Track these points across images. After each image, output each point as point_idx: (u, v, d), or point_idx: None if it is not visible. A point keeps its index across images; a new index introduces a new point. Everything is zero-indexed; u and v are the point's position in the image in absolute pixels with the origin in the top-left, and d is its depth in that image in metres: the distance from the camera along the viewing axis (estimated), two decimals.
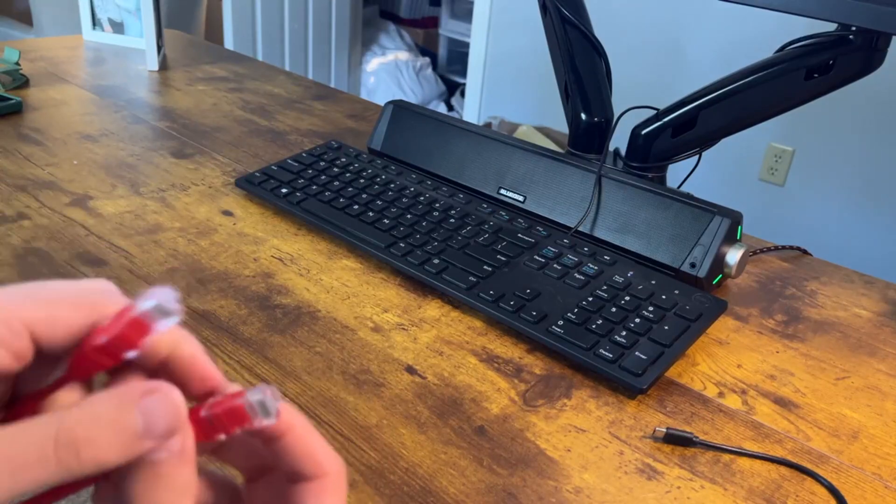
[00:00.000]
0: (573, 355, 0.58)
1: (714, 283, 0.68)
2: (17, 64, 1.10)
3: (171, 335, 0.24)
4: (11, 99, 0.99)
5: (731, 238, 0.67)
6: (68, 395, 0.23)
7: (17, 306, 0.21)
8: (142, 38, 1.29)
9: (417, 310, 0.64)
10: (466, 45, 3.20)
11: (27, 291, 0.22)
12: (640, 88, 2.28)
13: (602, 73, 0.87)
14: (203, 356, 0.25)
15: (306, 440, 0.25)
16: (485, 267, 0.67)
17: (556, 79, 0.90)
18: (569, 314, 0.61)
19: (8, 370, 0.21)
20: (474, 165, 0.81)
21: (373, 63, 3.63)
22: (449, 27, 3.77)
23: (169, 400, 0.21)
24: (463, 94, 3.36)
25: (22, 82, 1.09)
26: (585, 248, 0.69)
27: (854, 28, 0.67)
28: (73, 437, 0.19)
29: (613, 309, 0.62)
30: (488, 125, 2.81)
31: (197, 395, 0.25)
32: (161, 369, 0.24)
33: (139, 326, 0.21)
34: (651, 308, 0.62)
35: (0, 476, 0.19)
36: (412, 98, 3.56)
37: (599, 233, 0.72)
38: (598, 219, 0.72)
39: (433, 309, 0.65)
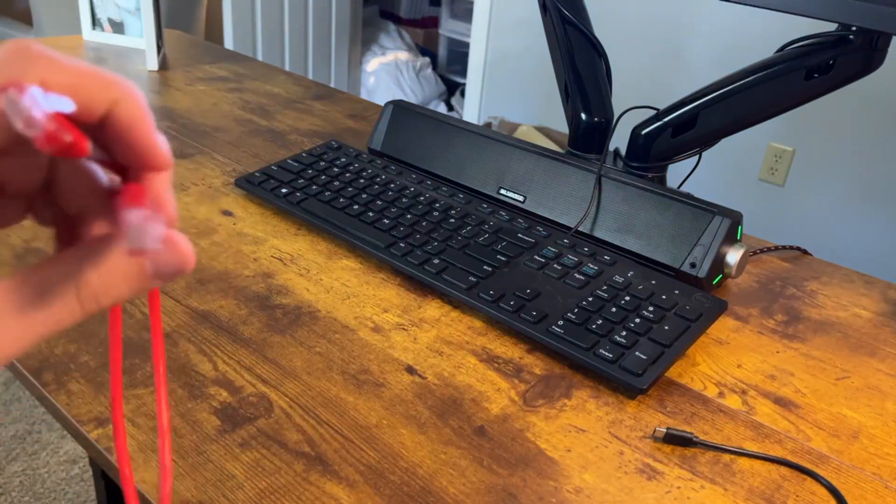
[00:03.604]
0: (573, 355, 0.58)
1: (714, 283, 0.68)
2: None
3: (107, 93, 0.22)
4: None
5: (731, 238, 0.67)
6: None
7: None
8: (142, 38, 1.29)
9: (417, 310, 0.64)
10: (466, 45, 3.20)
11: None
12: (640, 88, 2.28)
13: (602, 73, 0.87)
14: (145, 122, 0.22)
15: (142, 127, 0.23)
16: (485, 267, 0.67)
17: (556, 79, 0.90)
18: (569, 314, 0.61)
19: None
20: (474, 165, 0.81)
21: (373, 63, 3.63)
22: (449, 27, 3.77)
23: (176, 247, 0.22)
24: (463, 94, 3.36)
25: None
26: (585, 248, 0.69)
27: (854, 28, 0.67)
28: (93, 290, 0.22)
29: (613, 309, 0.62)
30: (488, 125, 2.81)
31: (136, 166, 0.23)
32: (101, 132, 0.23)
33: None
34: (651, 308, 0.62)
35: (37, 328, 0.22)
36: (412, 98, 3.56)
37: (599, 233, 0.72)
38: (598, 219, 0.72)
39: (433, 309, 0.65)
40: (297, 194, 0.78)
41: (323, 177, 0.81)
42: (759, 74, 0.73)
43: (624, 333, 0.59)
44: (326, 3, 3.32)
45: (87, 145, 0.20)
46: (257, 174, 0.81)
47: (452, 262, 0.67)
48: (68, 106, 0.21)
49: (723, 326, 0.66)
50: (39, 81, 0.20)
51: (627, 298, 0.63)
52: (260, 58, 3.04)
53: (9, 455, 1.58)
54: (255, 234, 0.74)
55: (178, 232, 0.22)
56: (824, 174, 2.20)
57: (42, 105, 0.20)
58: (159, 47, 1.24)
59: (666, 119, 0.78)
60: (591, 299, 0.63)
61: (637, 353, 0.57)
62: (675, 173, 0.85)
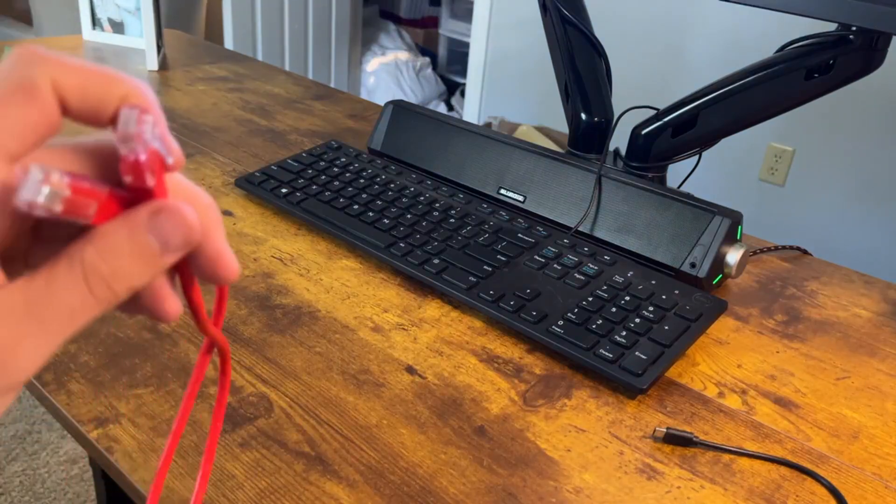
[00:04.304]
0: (573, 355, 0.58)
1: (714, 283, 0.68)
2: None
3: (116, 90, 0.22)
4: None
5: (731, 238, 0.67)
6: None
7: (48, 65, 0.21)
8: (142, 38, 1.29)
9: (417, 310, 0.64)
10: (466, 45, 3.20)
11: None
12: (640, 88, 2.28)
13: (602, 73, 0.87)
14: (155, 115, 0.22)
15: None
16: (485, 267, 0.67)
17: (556, 79, 0.90)
18: (569, 314, 0.61)
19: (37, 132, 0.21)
20: (474, 165, 0.81)
21: (373, 63, 3.63)
22: (449, 27, 3.77)
23: (177, 215, 0.21)
24: (463, 94, 3.36)
25: None
26: (585, 248, 0.69)
27: (854, 28, 0.67)
28: (101, 274, 0.21)
29: (613, 309, 0.62)
30: (488, 125, 2.81)
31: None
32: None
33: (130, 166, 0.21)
34: (651, 308, 0.62)
35: (52, 327, 0.21)
36: (412, 98, 3.56)
37: (599, 233, 0.72)
38: (598, 219, 0.72)
39: (433, 309, 0.65)
40: (297, 194, 0.78)
41: (323, 177, 0.81)
42: (759, 74, 0.73)
43: (624, 333, 0.59)
44: (326, 3, 3.32)
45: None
46: (257, 174, 0.81)
47: (452, 262, 0.67)
48: (168, 157, 0.21)
49: (723, 326, 0.66)
50: (51, 82, 0.21)
51: (627, 298, 0.63)
52: (260, 58, 3.04)
53: (9, 455, 1.58)
54: (255, 234, 0.74)
55: (182, 202, 0.22)
56: (824, 174, 2.20)
57: (152, 138, 0.21)
58: (159, 47, 1.24)
59: (666, 119, 0.78)
60: (591, 299, 0.63)
61: (637, 353, 0.57)
62: (675, 173, 0.85)
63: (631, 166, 0.81)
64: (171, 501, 0.44)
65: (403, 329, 0.62)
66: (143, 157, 0.20)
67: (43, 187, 0.19)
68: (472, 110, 3.05)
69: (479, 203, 0.77)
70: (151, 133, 0.21)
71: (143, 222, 0.21)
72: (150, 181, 0.21)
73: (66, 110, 0.21)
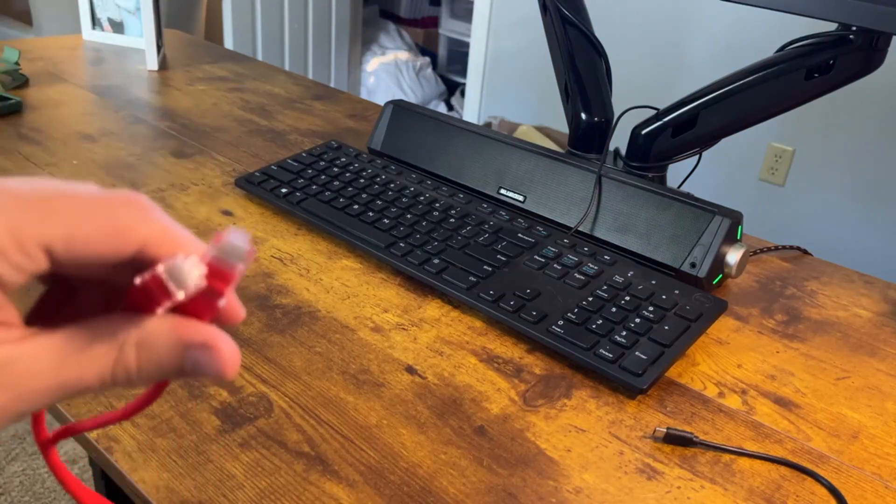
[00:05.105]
0: (573, 355, 0.58)
1: (714, 283, 0.68)
2: (17, 64, 1.10)
3: (140, 229, 0.23)
4: (11, 99, 0.99)
5: (731, 238, 0.67)
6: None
7: (35, 222, 0.21)
8: (142, 38, 1.29)
9: (417, 310, 0.64)
10: (466, 44, 3.20)
11: (45, 200, 0.21)
12: (640, 88, 2.28)
13: (602, 73, 0.87)
14: (175, 232, 0.23)
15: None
16: (485, 267, 0.67)
17: (556, 79, 0.90)
18: (569, 314, 0.61)
19: (12, 285, 0.21)
20: (474, 165, 0.81)
21: (373, 63, 3.62)
22: (449, 27, 3.77)
23: (219, 358, 0.23)
24: (463, 94, 3.35)
25: (22, 82, 1.09)
26: (585, 248, 0.69)
27: (854, 28, 0.67)
28: (128, 368, 0.23)
29: (613, 309, 0.62)
30: (488, 125, 2.81)
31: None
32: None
33: (222, 276, 0.22)
34: (651, 308, 0.62)
35: (67, 388, 0.22)
36: (412, 98, 3.56)
37: (599, 233, 0.72)
38: (598, 219, 0.72)
39: (433, 309, 0.65)
40: (297, 194, 0.78)
41: (323, 177, 0.81)
42: (759, 74, 0.73)
43: (624, 333, 0.59)
44: (326, 3, 3.32)
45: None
46: (257, 174, 0.81)
47: (452, 262, 0.67)
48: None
49: (723, 326, 0.66)
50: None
51: (627, 298, 0.63)
52: (260, 58, 3.04)
53: (9, 455, 1.58)
54: (254, 234, 0.74)
55: (226, 336, 0.23)
56: (824, 174, 2.20)
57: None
58: (159, 47, 1.24)
59: (666, 119, 0.78)
60: (591, 299, 0.63)
61: (637, 353, 0.57)
62: (675, 173, 0.85)
63: (631, 166, 0.81)
64: (170, 501, 0.44)
65: (403, 329, 0.62)
66: (239, 272, 0.22)
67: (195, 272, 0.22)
68: (472, 110, 3.05)
69: (479, 203, 0.77)
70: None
71: (191, 348, 0.23)
72: (222, 303, 0.23)
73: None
